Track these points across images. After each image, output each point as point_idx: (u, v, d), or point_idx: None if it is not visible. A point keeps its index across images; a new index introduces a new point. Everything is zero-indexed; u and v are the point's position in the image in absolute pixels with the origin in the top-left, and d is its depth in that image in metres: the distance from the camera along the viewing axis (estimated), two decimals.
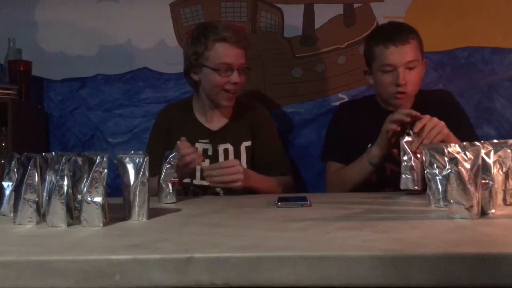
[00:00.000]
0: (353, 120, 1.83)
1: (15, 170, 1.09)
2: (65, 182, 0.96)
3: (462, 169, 0.92)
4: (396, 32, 1.67)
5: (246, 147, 1.78)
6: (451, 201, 0.94)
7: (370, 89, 2.14)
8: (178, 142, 1.54)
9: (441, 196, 1.07)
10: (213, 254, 0.71)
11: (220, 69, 1.68)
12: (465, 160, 0.93)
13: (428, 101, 1.73)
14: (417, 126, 1.39)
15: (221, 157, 1.76)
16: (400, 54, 1.64)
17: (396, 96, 1.68)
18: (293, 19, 2.22)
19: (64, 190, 0.96)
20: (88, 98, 2.27)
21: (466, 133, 1.60)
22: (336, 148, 1.83)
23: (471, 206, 0.92)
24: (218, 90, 1.72)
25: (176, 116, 1.84)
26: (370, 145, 1.73)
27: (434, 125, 1.40)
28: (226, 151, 1.77)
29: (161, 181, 1.34)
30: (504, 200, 1.08)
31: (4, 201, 1.12)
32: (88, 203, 0.95)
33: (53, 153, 1.00)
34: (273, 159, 1.79)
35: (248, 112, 1.84)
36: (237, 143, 1.78)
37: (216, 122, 1.81)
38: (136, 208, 1.04)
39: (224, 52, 1.68)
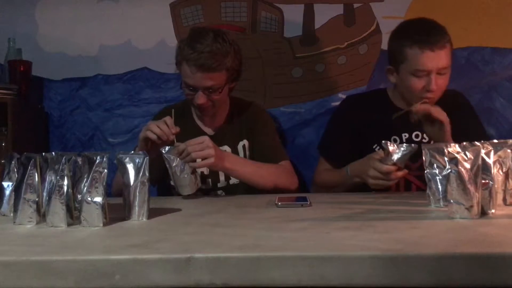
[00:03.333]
0: (357, 116, 1.77)
1: (15, 170, 1.09)
2: (65, 182, 0.96)
3: (462, 169, 0.92)
4: (433, 34, 1.55)
5: (243, 147, 1.76)
6: (451, 201, 0.94)
7: (370, 89, 2.14)
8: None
9: (441, 196, 1.07)
10: (213, 254, 0.71)
11: (185, 87, 1.64)
12: (465, 160, 0.93)
13: (441, 101, 1.66)
14: None
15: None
16: (436, 60, 1.54)
17: (422, 101, 1.58)
18: (293, 19, 2.22)
19: (64, 190, 0.96)
20: (88, 98, 2.27)
21: (477, 134, 1.56)
22: (332, 145, 1.82)
23: (471, 206, 0.92)
24: (191, 104, 1.71)
25: (175, 119, 1.81)
26: (376, 146, 1.70)
27: None
28: None
29: (183, 175, 1.39)
30: (504, 200, 1.08)
31: (4, 201, 1.12)
32: (88, 203, 0.95)
33: (53, 153, 1.00)
34: (269, 153, 1.73)
35: (244, 112, 1.81)
36: (234, 144, 1.76)
37: (213, 125, 1.79)
38: (136, 208, 1.04)
39: (186, 73, 1.60)
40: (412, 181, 1.70)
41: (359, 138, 1.74)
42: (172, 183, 1.57)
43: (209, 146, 1.45)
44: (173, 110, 1.56)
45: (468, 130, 1.59)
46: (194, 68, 1.57)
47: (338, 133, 1.82)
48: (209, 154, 1.44)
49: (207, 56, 1.56)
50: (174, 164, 1.43)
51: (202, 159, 1.45)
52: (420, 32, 1.57)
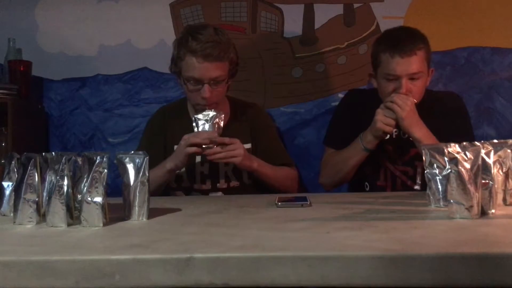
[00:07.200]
0: (359, 108, 1.81)
1: (15, 170, 1.09)
2: (65, 182, 0.96)
3: (462, 169, 0.92)
4: (404, 41, 1.62)
5: (247, 150, 1.72)
6: (451, 201, 0.94)
7: (369, 88, 2.14)
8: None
9: (441, 196, 1.07)
10: (213, 254, 0.71)
11: (189, 82, 1.63)
12: (465, 160, 0.93)
13: (434, 100, 1.73)
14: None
15: (221, 163, 1.71)
16: (405, 65, 1.61)
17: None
18: (293, 19, 2.22)
19: (64, 190, 0.96)
20: (88, 98, 2.28)
21: (463, 138, 1.62)
22: (336, 134, 1.85)
23: (471, 206, 0.92)
24: (192, 102, 1.69)
25: (172, 120, 1.78)
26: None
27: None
28: None
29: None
30: (504, 200, 1.08)
31: (4, 201, 1.12)
32: (88, 203, 0.95)
33: (53, 153, 1.00)
34: (275, 159, 1.75)
35: (246, 114, 1.80)
36: None
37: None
38: (136, 208, 1.04)
39: (191, 66, 1.60)
40: (398, 176, 1.77)
41: (359, 126, 1.77)
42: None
43: (241, 147, 1.58)
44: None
45: (457, 134, 1.61)
46: (200, 58, 1.58)
47: (342, 122, 1.86)
48: (239, 154, 1.56)
49: (213, 45, 1.59)
50: (201, 125, 1.57)
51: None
52: (393, 39, 1.67)
